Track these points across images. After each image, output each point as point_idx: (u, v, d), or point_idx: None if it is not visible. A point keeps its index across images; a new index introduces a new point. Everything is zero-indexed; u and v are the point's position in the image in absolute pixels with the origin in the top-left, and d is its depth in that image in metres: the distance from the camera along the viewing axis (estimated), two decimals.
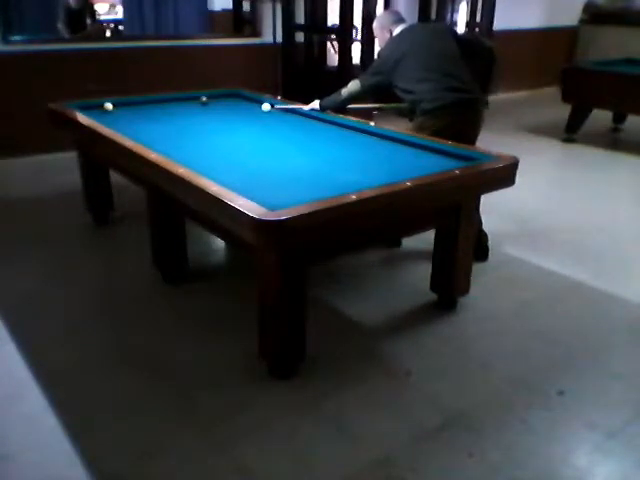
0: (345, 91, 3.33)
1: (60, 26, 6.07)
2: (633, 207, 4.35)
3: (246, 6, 6.39)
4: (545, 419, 2.17)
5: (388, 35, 3.32)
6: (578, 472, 1.95)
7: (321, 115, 3.47)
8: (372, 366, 2.46)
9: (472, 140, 3.16)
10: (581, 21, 9.08)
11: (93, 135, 3.12)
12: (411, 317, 2.84)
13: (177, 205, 2.71)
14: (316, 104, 3.49)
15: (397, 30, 3.30)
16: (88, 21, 6.39)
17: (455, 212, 2.63)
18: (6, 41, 4.89)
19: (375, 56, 5.34)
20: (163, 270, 3.08)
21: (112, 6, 7.64)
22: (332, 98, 3.42)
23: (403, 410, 2.21)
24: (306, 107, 3.55)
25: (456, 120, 3.08)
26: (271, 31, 6.10)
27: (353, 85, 3.29)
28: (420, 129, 3.10)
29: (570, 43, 9.02)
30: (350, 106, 3.51)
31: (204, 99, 3.92)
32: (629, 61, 6.39)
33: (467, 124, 3.15)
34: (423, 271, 3.01)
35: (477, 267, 3.04)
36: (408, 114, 3.31)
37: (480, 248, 3.28)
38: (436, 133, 2.99)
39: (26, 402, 2.21)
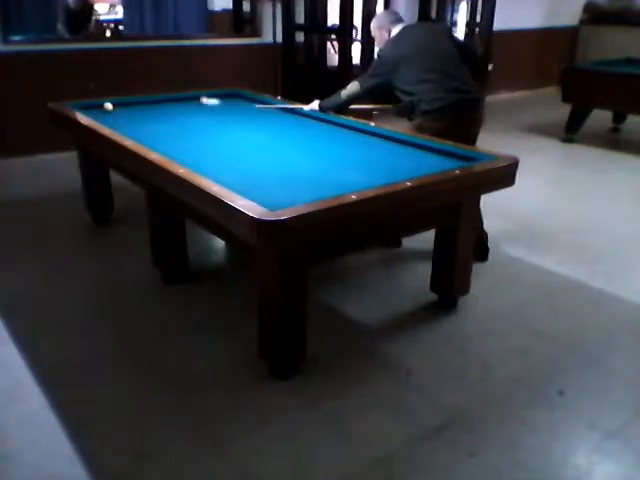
0: (344, 93, 3.32)
1: (60, 27, 6.06)
2: (633, 207, 4.35)
3: (246, 6, 6.39)
4: (545, 419, 2.17)
5: (387, 35, 3.32)
6: (578, 472, 1.95)
7: (321, 115, 3.47)
8: (372, 366, 2.46)
9: (472, 140, 3.16)
10: (581, 21, 9.08)
11: (93, 135, 3.12)
12: (411, 317, 2.84)
13: (177, 205, 2.71)
14: (315, 105, 3.48)
15: (395, 30, 3.29)
16: (92, 23, 6.38)
17: (455, 212, 2.63)
18: (6, 41, 4.89)
19: (375, 56, 5.34)
20: (163, 270, 3.08)
21: (112, 6, 7.62)
22: (332, 100, 3.41)
23: (403, 410, 2.21)
24: (306, 107, 3.54)
25: (456, 121, 3.08)
26: (271, 31, 6.11)
27: (352, 87, 3.28)
28: (420, 130, 3.10)
29: (570, 43, 9.02)
30: (350, 107, 3.51)
31: (204, 99, 3.92)
32: (629, 61, 6.39)
33: (466, 124, 3.15)
34: (423, 271, 3.01)
35: (477, 267, 3.04)
36: (407, 115, 3.31)
37: (481, 248, 3.29)
38: (436, 134, 2.99)
39: (26, 402, 2.21)
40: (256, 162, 2.72)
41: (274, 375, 2.34)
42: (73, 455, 1.96)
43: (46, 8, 6.12)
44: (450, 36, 3.40)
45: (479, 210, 3.09)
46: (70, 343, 2.59)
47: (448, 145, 2.81)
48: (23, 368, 2.39)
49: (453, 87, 3.08)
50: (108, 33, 7.02)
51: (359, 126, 3.27)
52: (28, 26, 5.79)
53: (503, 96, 8.14)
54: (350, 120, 3.36)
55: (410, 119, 3.27)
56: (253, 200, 2.05)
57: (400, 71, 3.13)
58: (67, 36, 5.94)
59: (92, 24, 6.37)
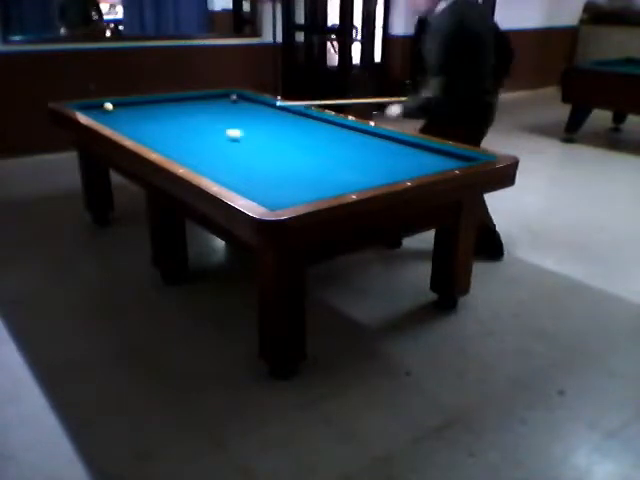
0: (431, 90, 2.88)
1: (57, 23, 6.05)
2: (633, 207, 4.35)
3: (246, 6, 6.40)
4: (545, 419, 2.17)
5: (435, 2, 2.88)
6: (578, 472, 1.95)
7: (321, 115, 3.47)
8: (372, 366, 2.46)
9: (480, 141, 3.14)
10: (581, 21, 9.08)
11: (93, 135, 3.12)
12: (411, 317, 2.84)
13: (177, 205, 2.71)
14: (397, 110, 3.07)
15: (445, 2, 2.86)
16: (94, 16, 6.38)
17: (455, 212, 2.63)
18: (6, 41, 4.89)
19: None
20: (163, 270, 3.08)
21: (112, 6, 7.63)
22: (417, 104, 2.98)
23: (403, 410, 2.21)
24: (393, 112, 3.09)
25: (478, 125, 3.06)
26: (271, 31, 6.11)
27: (438, 80, 2.86)
28: (438, 132, 2.91)
29: (570, 43, 9.01)
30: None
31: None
32: (629, 61, 6.39)
33: (485, 128, 3.13)
34: (423, 271, 3.01)
35: (478, 267, 3.04)
36: (427, 112, 3.00)
37: (495, 246, 3.34)
38: (447, 136, 2.87)
39: (26, 402, 2.21)
40: (256, 162, 2.72)
41: (274, 375, 2.34)
42: (73, 455, 1.96)
43: (46, 8, 6.12)
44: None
45: (486, 209, 3.10)
46: (70, 343, 2.59)
47: (448, 145, 2.81)
48: (23, 368, 2.39)
49: (486, 89, 2.98)
50: (108, 33, 7.03)
51: (359, 126, 3.27)
52: (28, 26, 5.80)
53: (503, 96, 8.13)
54: (350, 120, 3.36)
55: (429, 119, 3.04)
56: (253, 200, 2.05)
57: (462, 56, 2.80)
58: (63, 30, 5.92)
59: (93, 13, 6.36)
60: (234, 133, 3.01)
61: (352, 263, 3.32)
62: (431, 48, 2.90)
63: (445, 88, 2.84)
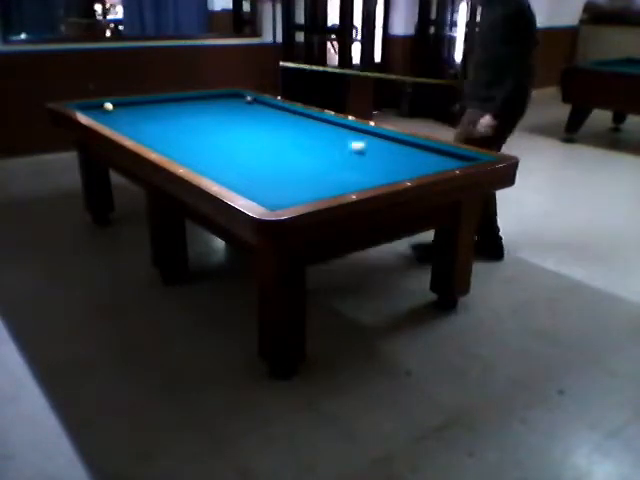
0: (511, 82, 2.90)
1: (59, 16, 6.05)
2: (633, 207, 4.35)
3: (246, 6, 6.40)
4: (545, 419, 2.17)
5: None
6: (578, 472, 1.95)
7: (321, 115, 3.47)
8: (372, 366, 2.46)
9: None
10: (581, 21, 9.07)
11: (93, 135, 3.12)
12: (411, 317, 2.84)
13: (177, 205, 2.71)
14: (490, 121, 2.98)
15: None
16: (98, 14, 6.40)
17: (455, 212, 2.63)
18: (6, 41, 4.89)
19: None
20: (163, 270, 3.08)
21: (112, 6, 7.63)
22: (503, 96, 2.91)
23: (403, 410, 2.21)
24: (483, 124, 2.99)
25: (514, 119, 3.06)
26: (271, 31, 6.11)
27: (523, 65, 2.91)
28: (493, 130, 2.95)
29: (570, 43, 9.01)
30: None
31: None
32: (629, 61, 6.39)
33: (517, 121, 3.13)
34: (423, 271, 3.01)
35: (478, 267, 3.04)
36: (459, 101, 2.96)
37: (496, 247, 3.35)
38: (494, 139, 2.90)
39: (26, 402, 2.21)
40: (256, 162, 2.72)
41: (274, 375, 2.34)
42: (73, 455, 1.96)
43: (46, 8, 6.13)
44: None
45: (495, 210, 3.09)
46: (70, 343, 2.59)
47: (448, 145, 2.81)
48: (23, 368, 2.39)
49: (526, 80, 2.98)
50: (108, 33, 7.03)
51: (359, 126, 3.27)
52: (28, 26, 5.80)
53: None
54: (350, 120, 3.36)
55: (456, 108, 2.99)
56: (253, 200, 2.05)
57: (519, 40, 2.80)
58: (63, 24, 5.92)
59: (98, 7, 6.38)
60: (358, 146, 2.80)
61: (352, 263, 3.32)
62: (493, 33, 2.91)
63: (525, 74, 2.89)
